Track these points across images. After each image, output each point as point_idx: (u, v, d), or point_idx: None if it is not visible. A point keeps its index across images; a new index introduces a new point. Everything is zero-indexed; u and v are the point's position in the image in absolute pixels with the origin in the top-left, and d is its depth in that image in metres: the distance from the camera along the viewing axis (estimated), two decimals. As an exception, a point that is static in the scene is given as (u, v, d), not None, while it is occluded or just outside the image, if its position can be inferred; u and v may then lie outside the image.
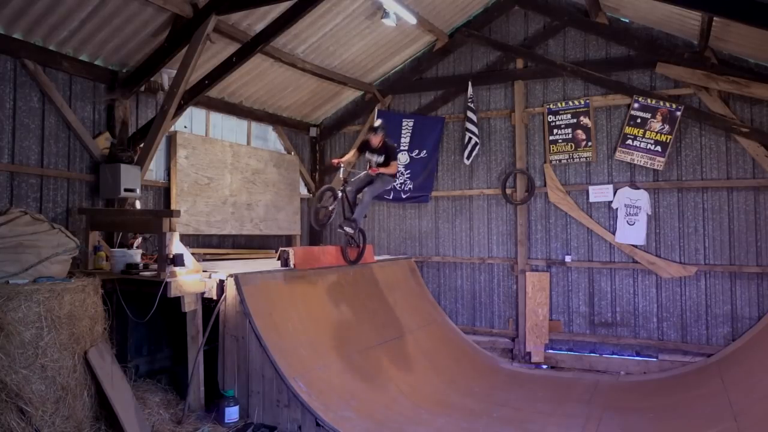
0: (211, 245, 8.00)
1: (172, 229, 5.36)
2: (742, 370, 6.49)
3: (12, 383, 3.97)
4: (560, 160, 8.35)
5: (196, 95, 6.69)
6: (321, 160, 10.13)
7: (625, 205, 7.89)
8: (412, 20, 7.85)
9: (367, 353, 6.22)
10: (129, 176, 6.27)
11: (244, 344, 5.34)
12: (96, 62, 6.39)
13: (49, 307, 4.20)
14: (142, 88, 6.73)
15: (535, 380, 7.36)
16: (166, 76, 6.67)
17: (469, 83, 8.75)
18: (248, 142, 8.75)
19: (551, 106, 8.41)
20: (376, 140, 6.55)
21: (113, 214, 6.23)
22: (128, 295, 5.59)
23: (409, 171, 9.25)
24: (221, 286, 5.50)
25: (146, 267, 5.55)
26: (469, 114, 8.69)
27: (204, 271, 5.66)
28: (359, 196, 6.75)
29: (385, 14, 7.50)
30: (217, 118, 8.18)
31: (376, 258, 8.02)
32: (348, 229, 6.61)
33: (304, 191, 9.85)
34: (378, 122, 6.81)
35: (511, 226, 8.70)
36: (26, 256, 4.43)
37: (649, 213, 7.80)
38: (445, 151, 9.20)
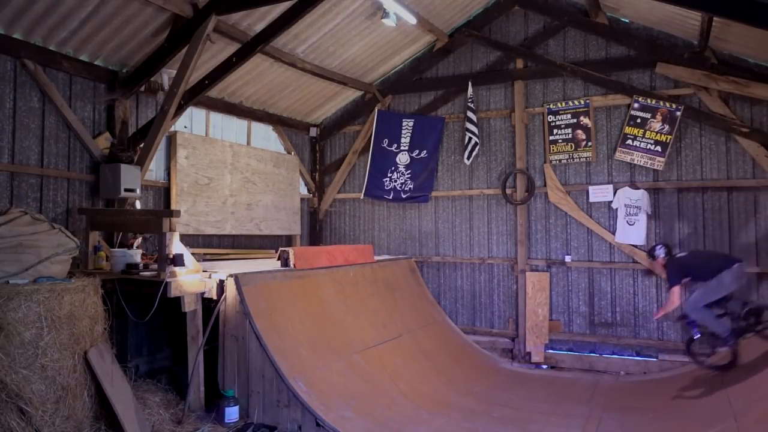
0: (211, 245, 7.99)
1: (172, 229, 5.36)
2: (743, 370, 6.48)
3: (12, 383, 3.97)
4: (560, 160, 8.35)
5: (196, 95, 6.69)
6: (321, 160, 10.14)
7: (625, 205, 7.88)
8: (412, 20, 7.84)
9: (367, 353, 6.22)
10: (129, 176, 6.27)
11: (244, 344, 5.34)
12: (96, 62, 6.39)
13: (49, 307, 4.19)
14: (142, 88, 6.72)
15: (535, 380, 7.35)
16: (166, 76, 6.67)
17: (469, 83, 8.75)
18: (248, 142, 8.74)
19: (551, 106, 8.41)
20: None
21: (113, 214, 6.23)
22: (128, 295, 5.59)
23: (409, 171, 9.26)
24: (221, 286, 5.50)
25: (146, 267, 5.55)
26: (469, 114, 8.69)
27: (204, 271, 5.66)
28: None
29: (385, 14, 7.50)
30: (217, 118, 8.18)
31: (376, 258, 8.03)
32: None
33: (304, 191, 9.86)
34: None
35: (511, 226, 8.70)
36: (26, 256, 4.43)
37: (649, 213, 7.80)
38: (445, 151, 9.20)
